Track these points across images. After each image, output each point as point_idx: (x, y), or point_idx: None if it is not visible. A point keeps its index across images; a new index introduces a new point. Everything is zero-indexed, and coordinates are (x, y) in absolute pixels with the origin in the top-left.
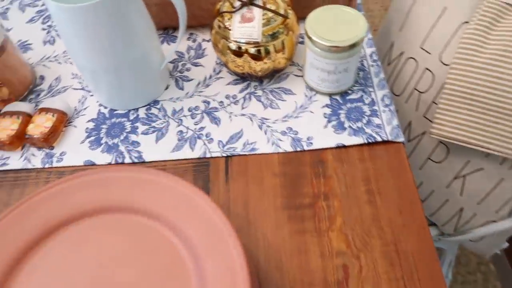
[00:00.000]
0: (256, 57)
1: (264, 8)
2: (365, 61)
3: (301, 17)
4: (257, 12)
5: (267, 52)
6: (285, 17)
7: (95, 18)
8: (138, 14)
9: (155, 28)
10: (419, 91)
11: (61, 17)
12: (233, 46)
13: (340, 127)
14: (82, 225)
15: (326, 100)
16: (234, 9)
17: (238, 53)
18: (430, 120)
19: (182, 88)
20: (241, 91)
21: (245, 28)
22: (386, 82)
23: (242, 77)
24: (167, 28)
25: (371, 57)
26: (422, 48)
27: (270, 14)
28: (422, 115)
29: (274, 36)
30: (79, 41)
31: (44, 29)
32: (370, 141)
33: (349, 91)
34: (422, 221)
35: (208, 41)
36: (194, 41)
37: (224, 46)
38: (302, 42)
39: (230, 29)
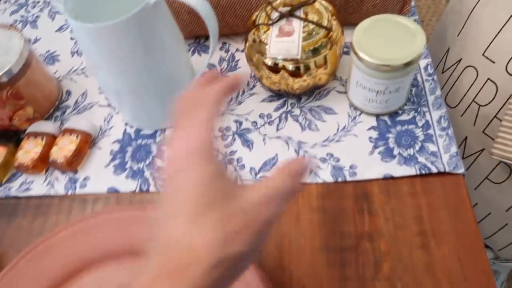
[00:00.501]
0: (295, 73)
1: (305, 20)
2: (418, 74)
3: (346, 24)
4: (297, 24)
5: (307, 68)
6: (329, 29)
7: (119, 37)
8: (166, 30)
9: (184, 42)
10: (478, 104)
11: (82, 35)
12: (269, 61)
13: (388, 154)
14: (106, 269)
15: (372, 121)
16: (271, 22)
17: (274, 69)
18: (490, 137)
19: None
20: (277, 109)
21: (283, 43)
22: (443, 100)
23: (278, 94)
24: (198, 37)
25: (426, 70)
26: (484, 56)
27: (312, 26)
28: (481, 130)
29: (315, 52)
30: (101, 61)
31: (72, 39)
32: (423, 172)
33: (399, 111)
34: (486, 272)
35: (242, 51)
36: (227, 51)
37: (259, 61)
38: (347, 53)
39: (266, 44)
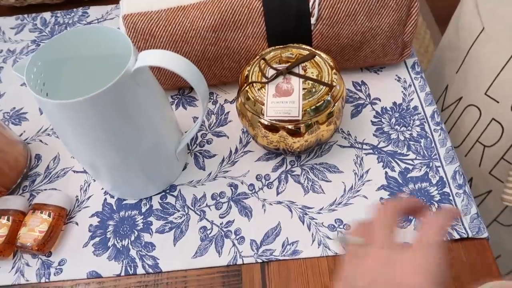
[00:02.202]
0: (295, 133)
1: (305, 77)
2: (426, 124)
3: (342, 69)
4: (295, 82)
5: (309, 127)
6: (330, 86)
7: (94, 111)
8: (148, 96)
9: (168, 104)
10: (483, 145)
11: (49, 110)
12: (266, 121)
13: (403, 218)
14: None
15: (381, 179)
16: (267, 80)
17: (272, 128)
18: (498, 179)
19: (203, 168)
20: (275, 169)
21: (282, 103)
22: (455, 153)
23: (275, 151)
24: (182, 88)
25: (433, 118)
26: (487, 95)
27: (311, 83)
28: (488, 171)
29: (317, 110)
30: (74, 136)
31: None
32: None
33: (410, 166)
34: None
35: (231, 102)
36: (215, 102)
37: (254, 120)
38: (349, 101)
39: (262, 104)
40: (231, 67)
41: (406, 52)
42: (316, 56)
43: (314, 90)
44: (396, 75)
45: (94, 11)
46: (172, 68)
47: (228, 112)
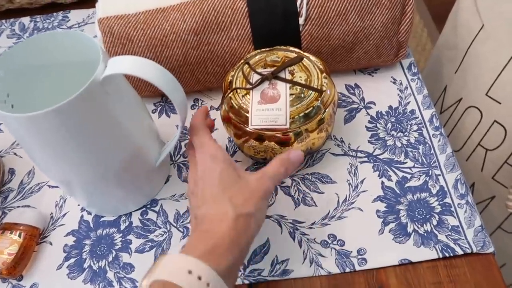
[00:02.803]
0: (283, 142)
1: (292, 82)
2: (424, 129)
3: (334, 72)
4: (282, 87)
5: (298, 135)
6: (320, 91)
7: (58, 124)
8: (123, 104)
9: (146, 111)
10: (485, 148)
11: (12, 125)
12: (251, 130)
13: (402, 231)
14: None
15: (378, 189)
16: (251, 86)
17: (259, 137)
18: (502, 184)
19: (187, 180)
20: None
21: (268, 111)
22: (456, 160)
23: (264, 162)
24: (165, 95)
25: (431, 122)
26: (488, 96)
27: (299, 88)
28: (491, 176)
29: (307, 117)
30: (42, 153)
31: None
32: (446, 254)
33: (408, 174)
34: None
35: (217, 109)
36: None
37: (239, 129)
38: (342, 105)
39: (246, 111)
40: (215, 71)
41: (401, 52)
42: (304, 59)
43: (302, 95)
44: (392, 77)
45: (75, 15)
46: (143, 75)
47: (214, 120)
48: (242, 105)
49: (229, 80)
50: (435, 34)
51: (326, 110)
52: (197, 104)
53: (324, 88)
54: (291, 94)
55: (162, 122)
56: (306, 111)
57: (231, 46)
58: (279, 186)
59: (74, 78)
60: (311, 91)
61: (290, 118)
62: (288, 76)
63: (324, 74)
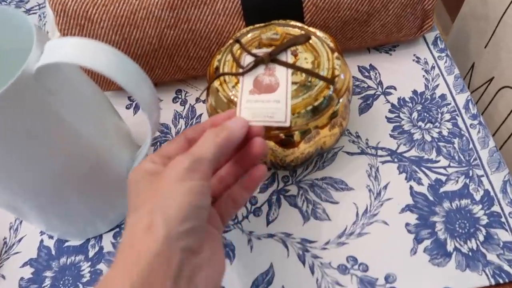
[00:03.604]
0: (287, 143)
1: (295, 67)
2: (459, 118)
3: (344, 51)
4: (282, 73)
5: (305, 133)
6: (331, 82)
7: None
8: (71, 105)
9: (112, 111)
10: None
11: None
12: None
13: (440, 250)
14: None
15: (406, 196)
16: (242, 70)
17: None
18: None
19: None
20: (263, 188)
21: (262, 103)
22: (501, 155)
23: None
24: None
25: (467, 110)
26: None
27: (305, 74)
28: None
29: (316, 111)
30: None
31: None
32: (500, 281)
33: (442, 176)
34: None
35: (205, 101)
36: (183, 102)
37: None
38: (356, 92)
39: (235, 102)
40: (199, 56)
41: (427, 24)
42: (311, 37)
43: (309, 83)
44: (414, 55)
45: None
46: (92, 64)
47: (200, 115)
48: (232, 97)
49: (215, 66)
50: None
51: (340, 101)
52: (179, 96)
53: (336, 73)
54: (295, 83)
55: (138, 120)
56: (315, 104)
57: (216, 23)
58: (282, 196)
59: (5, 70)
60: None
61: (292, 114)
62: (290, 59)
63: (336, 54)
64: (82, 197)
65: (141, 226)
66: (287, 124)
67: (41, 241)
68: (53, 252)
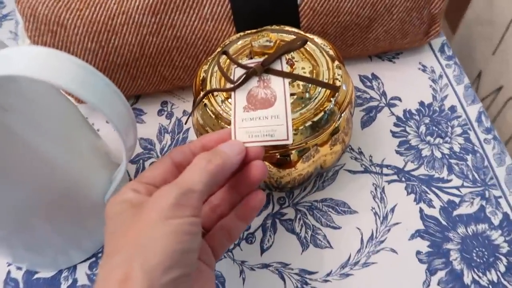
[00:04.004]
0: (282, 163)
1: (292, 76)
2: (471, 132)
3: (345, 58)
4: (278, 85)
5: (303, 152)
6: (334, 88)
7: None
8: (38, 122)
9: (88, 128)
10: None
11: None
12: None
13: (456, 283)
14: None
15: (416, 220)
16: (232, 85)
17: None
18: None
19: None
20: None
21: (259, 120)
22: None
23: None
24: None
25: (480, 123)
26: None
27: (303, 83)
28: None
29: (317, 126)
30: None
31: None
32: None
33: (456, 197)
34: None
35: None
36: (169, 115)
37: None
38: (358, 104)
39: (227, 121)
40: (185, 65)
41: (434, 29)
42: (308, 42)
43: (307, 95)
44: (420, 63)
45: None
46: (50, 79)
47: (188, 130)
48: (221, 113)
49: (201, 78)
50: None
51: (343, 115)
52: (165, 108)
53: (338, 83)
54: (291, 94)
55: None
56: (315, 119)
57: (203, 28)
58: (278, 220)
59: None
60: (319, 89)
61: (293, 129)
62: (286, 68)
63: (337, 63)
64: (53, 224)
65: (116, 278)
66: (290, 142)
67: (8, 272)
68: (21, 286)
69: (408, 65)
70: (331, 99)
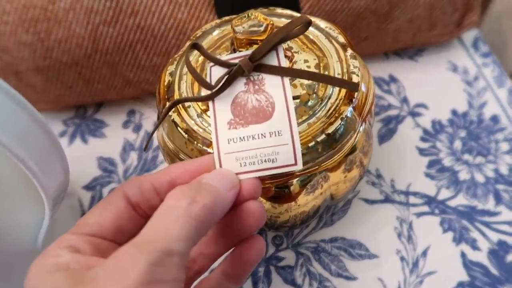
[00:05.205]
0: (279, 197)
1: (295, 73)
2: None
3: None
4: (276, 86)
5: (307, 181)
6: (353, 86)
7: None
8: None
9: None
10: None
11: None
12: None
13: None
14: None
15: (456, 267)
16: (210, 91)
17: None
18: None
19: None
20: None
21: (253, 142)
22: None
23: None
24: (83, 106)
25: None
26: None
27: (308, 83)
28: None
29: (328, 143)
30: None
31: None
32: None
33: (508, 237)
34: None
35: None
36: (136, 128)
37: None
38: (376, 113)
39: (206, 143)
40: (154, 64)
41: (468, 18)
42: (310, 27)
43: (314, 99)
44: (449, 62)
45: None
46: None
47: (159, 146)
48: (197, 130)
49: (166, 82)
50: None
51: (363, 126)
52: (132, 119)
53: (356, 79)
54: (295, 98)
55: (73, 152)
56: (329, 130)
57: (176, 16)
58: (273, 267)
59: None
60: (330, 88)
61: (302, 150)
62: (284, 62)
63: (350, 52)
64: None
65: None
66: (300, 167)
67: None
68: None
69: (434, 64)
70: (350, 103)
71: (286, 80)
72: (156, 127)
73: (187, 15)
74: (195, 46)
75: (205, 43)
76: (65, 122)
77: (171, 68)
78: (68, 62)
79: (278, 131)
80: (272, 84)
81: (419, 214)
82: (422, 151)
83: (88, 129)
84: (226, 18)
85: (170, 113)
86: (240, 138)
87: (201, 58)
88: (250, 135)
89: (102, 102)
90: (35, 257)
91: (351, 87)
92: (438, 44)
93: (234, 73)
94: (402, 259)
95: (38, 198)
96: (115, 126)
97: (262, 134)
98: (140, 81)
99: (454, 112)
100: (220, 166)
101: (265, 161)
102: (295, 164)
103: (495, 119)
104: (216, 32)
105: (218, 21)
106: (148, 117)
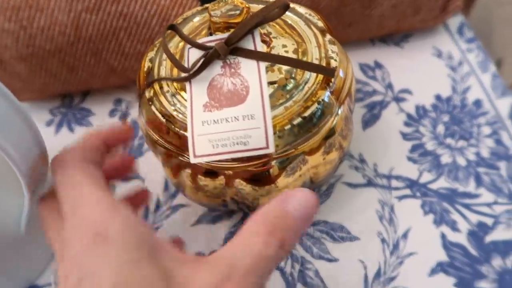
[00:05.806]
0: (260, 179)
1: (271, 58)
2: (503, 132)
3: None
4: (251, 70)
5: (285, 163)
6: (329, 71)
7: None
8: None
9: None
10: None
11: None
12: (196, 159)
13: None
14: None
15: (436, 248)
16: (187, 74)
17: (211, 172)
18: None
19: None
20: (228, 240)
21: (227, 124)
22: None
23: (225, 208)
24: (69, 95)
25: None
26: None
27: (286, 68)
28: None
29: (305, 127)
30: None
31: None
32: None
33: (488, 218)
34: None
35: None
36: (122, 117)
37: (174, 157)
38: (357, 99)
39: (182, 127)
40: (138, 51)
41: (453, 3)
42: (288, 12)
43: (292, 82)
44: (434, 47)
45: None
46: None
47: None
48: (172, 112)
49: (146, 68)
50: None
51: (340, 109)
52: (118, 107)
53: (334, 63)
54: (271, 83)
55: (60, 141)
56: (306, 113)
57: (159, 3)
58: None
59: None
60: (308, 73)
61: (274, 133)
62: (260, 47)
63: (329, 37)
64: None
65: None
66: (271, 151)
67: None
68: None
69: (419, 50)
70: (326, 87)
71: (262, 64)
72: (140, 103)
73: (170, 1)
74: (172, 27)
75: (186, 29)
76: (52, 111)
77: (151, 54)
78: (52, 49)
79: (251, 115)
80: (248, 68)
81: (401, 197)
82: (405, 136)
83: (74, 118)
84: (206, 5)
85: (147, 94)
86: (214, 120)
87: (181, 44)
88: (224, 118)
89: (88, 91)
90: (26, 245)
91: (328, 73)
92: (424, 30)
93: (210, 56)
94: (383, 241)
95: (18, 183)
96: (101, 115)
97: (235, 117)
98: (125, 69)
99: (438, 97)
100: (193, 148)
101: (237, 143)
102: (267, 147)
103: (478, 103)
104: (197, 19)
105: (199, 8)
106: (135, 106)
